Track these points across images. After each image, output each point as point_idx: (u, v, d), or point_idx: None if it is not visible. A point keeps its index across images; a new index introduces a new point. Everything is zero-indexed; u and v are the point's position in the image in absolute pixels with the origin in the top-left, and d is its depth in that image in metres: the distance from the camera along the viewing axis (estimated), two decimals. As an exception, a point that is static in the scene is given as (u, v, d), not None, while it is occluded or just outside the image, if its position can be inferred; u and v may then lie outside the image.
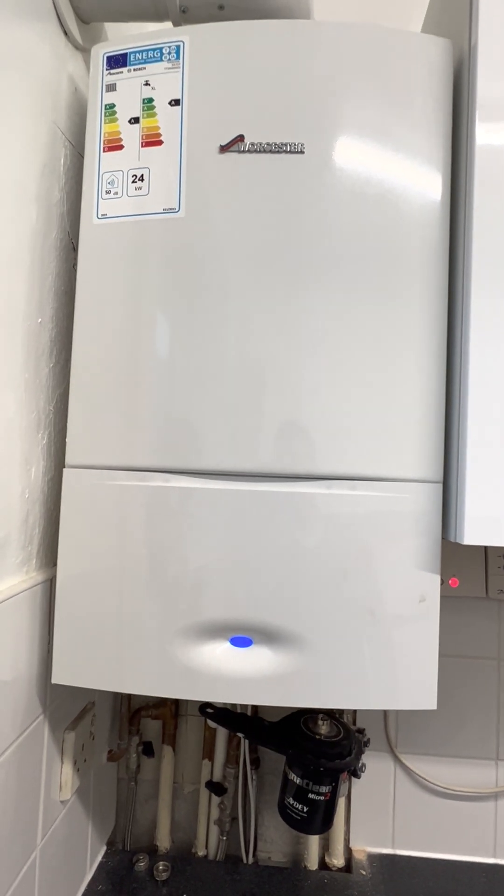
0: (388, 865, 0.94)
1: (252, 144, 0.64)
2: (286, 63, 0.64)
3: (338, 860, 0.96)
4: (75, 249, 0.72)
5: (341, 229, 0.63)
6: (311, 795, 0.75)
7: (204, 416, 0.64)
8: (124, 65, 0.67)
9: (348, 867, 0.95)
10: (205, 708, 0.82)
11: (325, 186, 0.64)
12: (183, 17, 0.71)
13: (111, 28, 0.84)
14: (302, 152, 0.64)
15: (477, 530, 0.60)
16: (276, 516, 0.62)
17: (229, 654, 0.63)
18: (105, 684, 0.65)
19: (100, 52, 0.68)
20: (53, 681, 0.65)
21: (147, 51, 0.66)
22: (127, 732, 0.97)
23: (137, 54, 0.67)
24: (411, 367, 0.63)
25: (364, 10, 0.97)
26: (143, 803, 1.02)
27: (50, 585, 0.70)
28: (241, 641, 0.63)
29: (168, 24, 0.74)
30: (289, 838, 1.00)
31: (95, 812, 0.91)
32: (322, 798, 0.75)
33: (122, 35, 0.86)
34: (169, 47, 0.66)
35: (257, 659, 0.63)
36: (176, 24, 0.72)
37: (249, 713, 0.88)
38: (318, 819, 0.76)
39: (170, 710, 0.99)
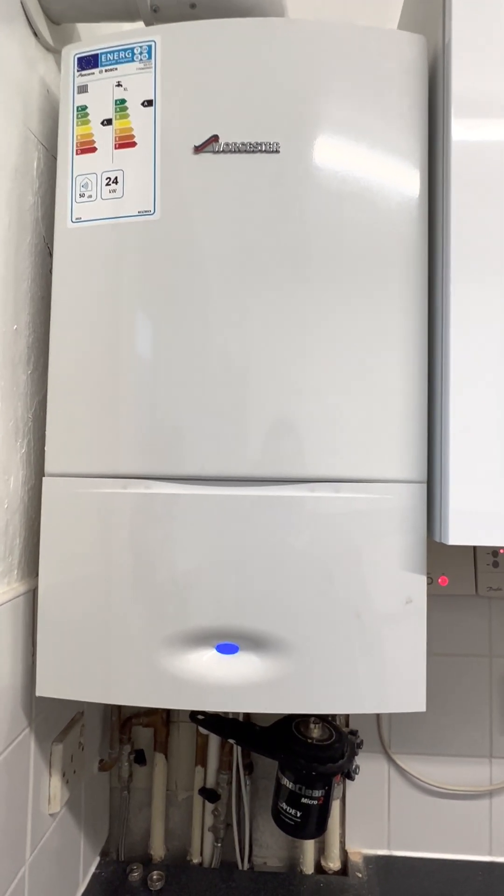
0: (385, 867, 0.94)
1: (227, 144, 0.63)
2: (259, 62, 0.64)
3: (334, 863, 0.95)
4: (51, 254, 0.71)
5: (319, 228, 0.63)
6: (304, 800, 0.75)
7: (186, 422, 0.63)
8: (95, 66, 0.66)
9: (344, 870, 0.95)
10: (196, 715, 0.81)
11: (301, 185, 0.63)
12: (154, 16, 0.70)
13: (85, 29, 0.83)
14: (277, 151, 0.63)
15: (461, 530, 0.59)
16: (259, 520, 0.62)
17: (216, 662, 0.62)
18: (90, 696, 0.64)
19: (70, 53, 0.67)
20: (38, 693, 0.64)
21: (118, 51, 0.65)
22: (118, 741, 0.96)
23: (109, 55, 0.66)
24: (393, 365, 0.63)
25: (340, 7, 0.97)
26: (137, 812, 1.01)
27: (33, 596, 0.69)
28: (227, 648, 0.62)
29: (140, 24, 0.73)
30: (284, 842, 0.99)
31: (88, 823, 0.89)
32: (315, 802, 0.75)
33: (96, 35, 0.85)
34: (140, 47, 0.65)
35: (244, 666, 0.62)
36: (148, 23, 0.71)
37: (241, 718, 0.87)
38: (312, 824, 0.76)
39: (161, 718, 0.98)
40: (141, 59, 0.65)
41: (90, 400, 0.65)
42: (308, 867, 0.95)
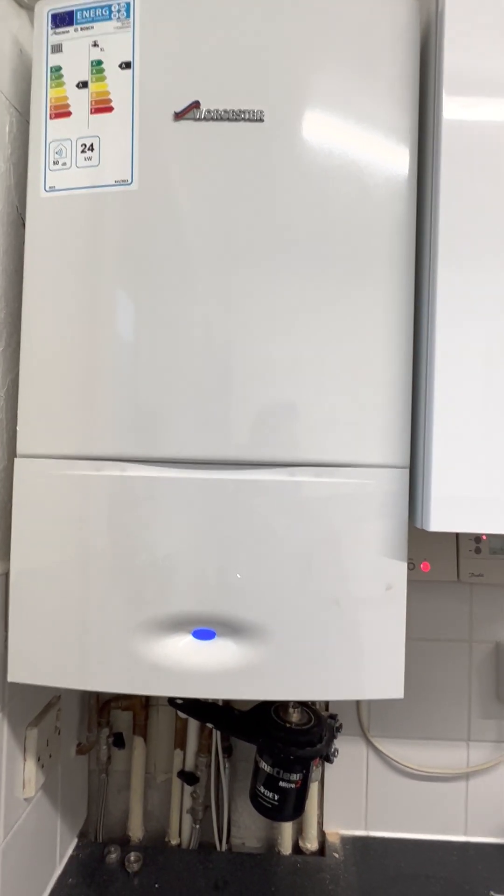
0: (361, 847, 0.95)
1: (209, 111, 0.60)
2: (244, 25, 0.61)
3: (311, 844, 0.96)
4: (25, 225, 0.68)
5: (304, 201, 0.60)
6: (281, 783, 0.74)
7: (165, 402, 0.61)
8: (70, 23, 0.62)
9: (322, 850, 0.96)
10: (174, 699, 0.80)
11: (286, 157, 0.60)
12: (134, -28, 0.66)
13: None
14: (262, 120, 0.60)
15: (443, 516, 0.58)
16: (238, 505, 0.60)
17: (192, 648, 0.61)
18: (65, 682, 0.63)
19: (44, 10, 0.63)
20: (10, 679, 0.62)
21: (95, 8, 0.62)
22: (96, 724, 0.96)
23: (85, 12, 0.62)
24: (378, 348, 0.61)
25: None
26: (116, 794, 1.01)
27: (5, 580, 0.67)
28: (203, 634, 0.61)
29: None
30: (262, 824, 1.00)
31: (65, 805, 0.89)
32: (293, 786, 0.75)
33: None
34: (118, 4, 0.61)
35: (221, 652, 0.61)
36: (127, -20, 0.67)
37: (221, 703, 0.87)
38: (290, 807, 0.76)
39: (140, 701, 0.97)
40: (119, 18, 0.61)
41: (65, 378, 0.62)
42: (286, 848, 0.96)
